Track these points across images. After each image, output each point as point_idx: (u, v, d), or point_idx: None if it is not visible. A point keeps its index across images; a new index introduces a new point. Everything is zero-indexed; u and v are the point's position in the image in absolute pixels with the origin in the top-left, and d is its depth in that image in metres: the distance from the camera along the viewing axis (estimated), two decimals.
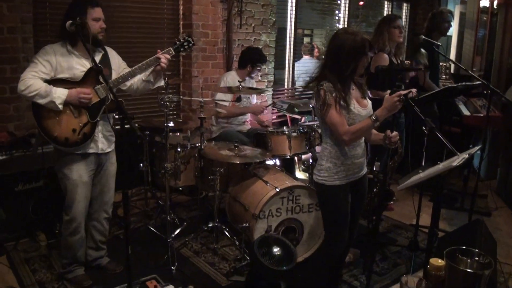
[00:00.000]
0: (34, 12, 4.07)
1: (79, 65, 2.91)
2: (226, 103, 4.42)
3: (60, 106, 2.79)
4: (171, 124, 3.65)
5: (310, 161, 4.32)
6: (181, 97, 3.61)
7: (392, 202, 4.52)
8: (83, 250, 3.21)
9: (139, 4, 4.84)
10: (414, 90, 2.62)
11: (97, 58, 2.97)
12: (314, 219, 3.58)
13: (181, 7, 5.16)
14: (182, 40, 3.17)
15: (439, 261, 1.72)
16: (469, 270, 1.59)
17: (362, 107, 2.65)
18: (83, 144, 2.93)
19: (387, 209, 4.50)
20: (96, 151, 3.03)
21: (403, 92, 2.52)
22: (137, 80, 3.16)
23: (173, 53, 3.12)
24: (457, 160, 2.45)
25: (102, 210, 3.25)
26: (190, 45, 3.19)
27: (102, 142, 3.04)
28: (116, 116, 2.18)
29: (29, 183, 3.74)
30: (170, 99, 3.59)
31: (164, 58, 3.02)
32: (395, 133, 2.65)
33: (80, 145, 2.93)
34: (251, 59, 4.55)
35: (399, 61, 4.24)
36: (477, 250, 1.67)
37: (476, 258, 1.66)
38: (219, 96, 4.42)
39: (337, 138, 2.59)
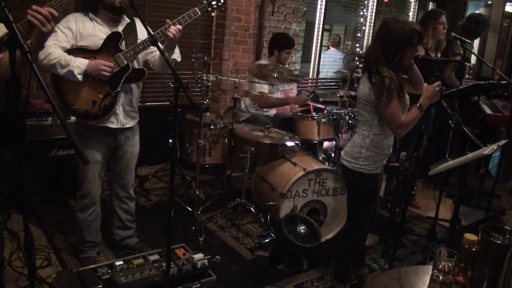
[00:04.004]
0: None
1: (100, 32, 2.78)
2: (265, 86, 4.50)
3: (79, 77, 2.65)
4: (206, 102, 3.75)
5: (333, 149, 4.45)
6: (219, 76, 3.69)
7: (415, 201, 4.66)
8: (93, 230, 3.10)
9: None
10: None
11: (121, 26, 2.86)
12: (337, 203, 3.71)
13: None
14: None
15: (473, 236, 1.82)
16: (503, 243, 1.70)
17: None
18: (104, 117, 2.82)
19: (412, 206, 4.61)
20: (117, 126, 2.91)
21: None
22: (157, 56, 2.96)
23: (199, 13, 2.83)
24: (488, 149, 2.58)
25: (124, 191, 3.18)
26: (219, 3, 2.89)
27: (124, 116, 2.92)
28: (172, 85, 2.20)
29: (62, 150, 3.86)
30: (207, 78, 3.69)
31: (171, 26, 2.72)
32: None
33: (100, 118, 2.81)
34: (277, 44, 4.60)
35: (437, 56, 4.32)
36: (509, 228, 1.79)
37: (508, 236, 1.77)
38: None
39: (392, 129, 2.63)
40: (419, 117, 2.63)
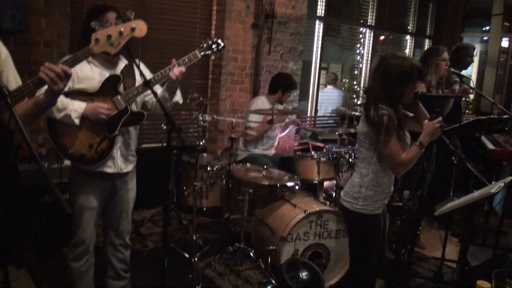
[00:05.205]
0: (72, 29, 4.10)
1: (98, 75, 2.70)
2: (256, 125, 4.46)
3: (77, 121, 2.55)
4: (203, 143, 3.66)
5: (334, 189, 4.33)
6: (215, 116, 3.62)
7: (421, 240, 4.50)
8: (85, 281, 2.92)
9: (172, 26, 4.94)
10: None
11: (119, 68, 2.78)
12: (340, 246, 3.57)
13: (213, 32, 5.28)
14: (210, 42, 2.84)
15: (485, 283, 1.71)
16: None
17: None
18: (100, 162, 2.69)
19: (417, 246, 4.44)
20: (114, 171, 2.78)
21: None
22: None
23: (199, 56, 2.80)
24: (495, 187, 2.47)
25: (119, 238, 3.00)
26: (219, 47, 2.87)
27: (121, 161, 2.80)
28: (164, 127, 2.12)
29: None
30: (203, 118, 3.61)
31: (174, 68, 2.67)
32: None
33: (96, 163, 2.69)
34: (282, 85, 4.56)
35: (439, 92, 4.26)
36: None
37: None
38: (251, 118, 4.46)
39: (391, 168, 2.54)
40: (419, 155, 2.53)
